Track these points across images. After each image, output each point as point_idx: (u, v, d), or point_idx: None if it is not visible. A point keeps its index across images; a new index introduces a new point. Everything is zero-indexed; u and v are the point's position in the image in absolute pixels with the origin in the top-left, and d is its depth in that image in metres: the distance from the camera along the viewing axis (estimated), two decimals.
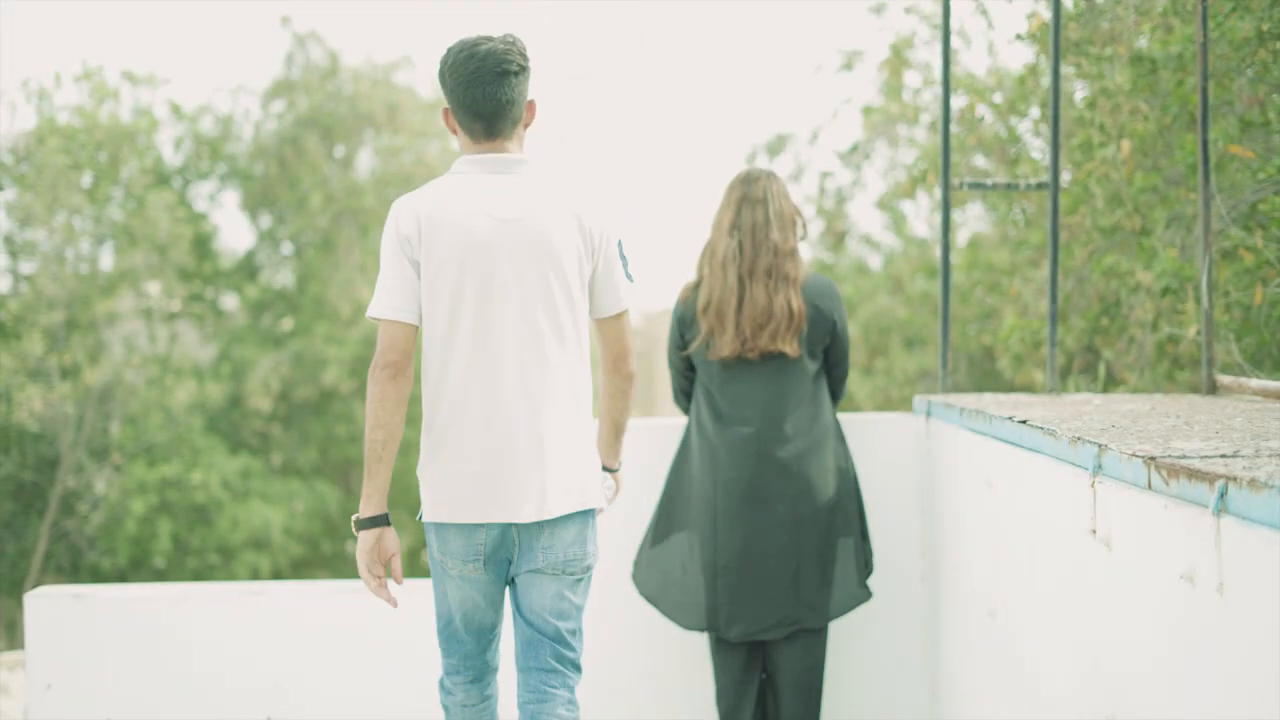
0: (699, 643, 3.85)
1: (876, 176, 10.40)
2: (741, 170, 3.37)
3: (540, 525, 2.50)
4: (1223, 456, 1.71)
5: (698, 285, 3.32)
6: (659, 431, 3.76)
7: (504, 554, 2.54)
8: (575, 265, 2.48)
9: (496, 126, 2.50)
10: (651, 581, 3.39)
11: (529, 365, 2.46)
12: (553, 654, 2.55)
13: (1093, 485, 2.01)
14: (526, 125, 2.57)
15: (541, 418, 2.47)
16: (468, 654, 2.63)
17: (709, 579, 3.26)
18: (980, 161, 6.39)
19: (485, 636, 2.64)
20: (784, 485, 3.19)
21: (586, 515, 2.56)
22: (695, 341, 3.30)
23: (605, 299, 2.56)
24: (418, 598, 3.86)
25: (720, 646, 3.33)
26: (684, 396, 3.49)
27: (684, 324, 3.34)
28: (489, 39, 2.50)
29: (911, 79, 7.86)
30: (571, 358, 2.50)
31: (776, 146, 12.89)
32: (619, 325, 2.58)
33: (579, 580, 2.57)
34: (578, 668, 2.59)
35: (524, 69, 2.51)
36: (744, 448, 3.22)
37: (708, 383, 3.30)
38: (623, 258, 2.54)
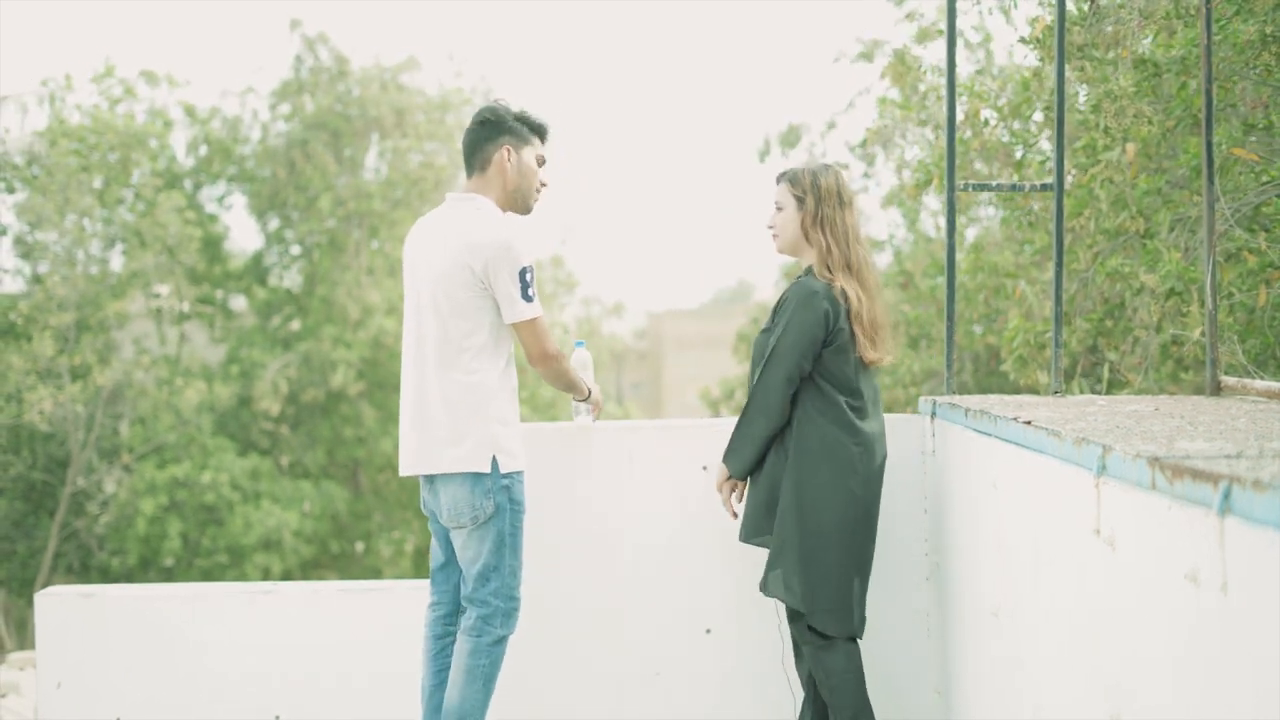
0: (697, 643, 3.86)
1: (889, 172, 10.39)
2: (837, 169, 3.31)
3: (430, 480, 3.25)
4: (1226, 457, 1.72)
5: (834, 285, 3.21)
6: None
7: (428, 504, 3.29)
8: (463, 287, 3.13)
9: (467, 167, 3.31)
10: (830, 597, 3.18)
11: (428, 362, 3.20)
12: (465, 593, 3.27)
13: (1097, 486, 2.03)
14: (495, 171, 3.25)
15: (427, 401, 3.18)
16: (431, 575, 3.40)
17: (863, 577, 3.24)
18: (984, 166, 6.39)
19: (436, 569, 3.38)
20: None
21: (457, 476, 3.17)
22: (843, 342, 3.17)
23: (503, 313, 3.19)
24: (425, 599, 3.88)
25: (857, 647, 3.27)
26: (790, 387, 3.19)
27: (832, 321, 3.17)
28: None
29: (926, 78, 7.84)
30: (460, 357, 3.16)
31: (791, 139, 12.85)
32: (522, 331, 3.19)
33: (473, 530, 3.18)
34: (479, 603, 3.21)
35: (485, 122, 3.25)
36: (883, 443, 3.29)
37: (853, 381, 3.22)
38: (524, 284, 3.13)
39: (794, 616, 3.30)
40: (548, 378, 3.34)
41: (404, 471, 3.28)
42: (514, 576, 3.23)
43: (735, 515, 3.39)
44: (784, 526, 3.19)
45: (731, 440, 3.31)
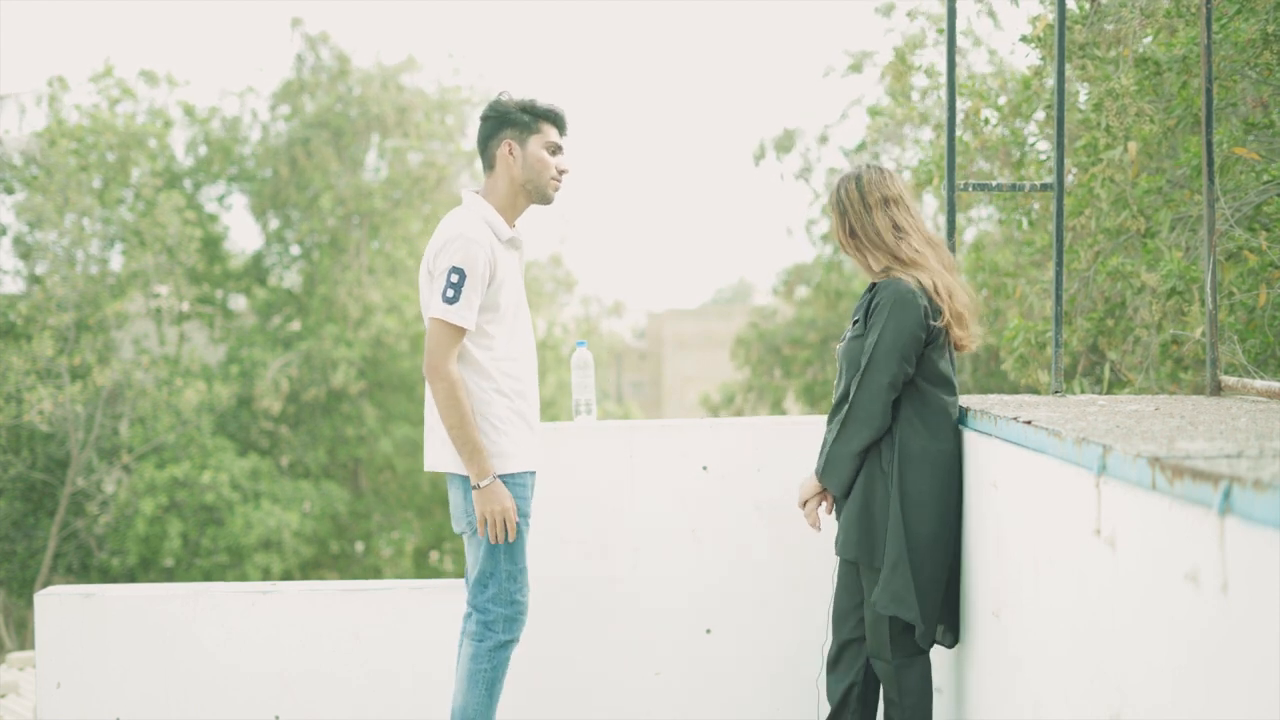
0: (697, 643, 3.86)
1: None
2: (861, 172, 3.17)
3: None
4: (1227, 457, 1.72)
5: (915, 279, 3.07)
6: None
7: None
8: (427, 281, 3.15)
9: (482, 165, 3.29)
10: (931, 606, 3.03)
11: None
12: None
13: (1097, 486, 2.02)
14: (501, 168, 3.22)
15: (431, 400, 3.15)
16: (466, 582, 3.31)
17: (954, 588, 3.10)
18: (985, 164, 6.39)
19: (467, 574, 3.29)
20: None
21: (454, 478, 3.18)
22: (943, 339, 3.06)
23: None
24: (426, 598, 3.88)
25: (926, 659, 3.14)
26: (893, 393, 3.04)
27: (931, 317, 3.04)
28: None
29: (917, 81, 7.85)
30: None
31: (785, 144, 12.88)
32: (428, 329, 3.10)
33: (471, 535, 3.19)
34: (480, 609, 3.19)
35: (485, 118, 3.23)
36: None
37: (952, 376, 3.10)
38: (449, 284, 3.05)
39: (876, 630, 3.11)
40: (434, 397, 3.08)
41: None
42: (513, 581, 3.17)
43: (819, 529, 3.26)
44: (895, 542, 3.01)
45: (830, 455, 3.10)
